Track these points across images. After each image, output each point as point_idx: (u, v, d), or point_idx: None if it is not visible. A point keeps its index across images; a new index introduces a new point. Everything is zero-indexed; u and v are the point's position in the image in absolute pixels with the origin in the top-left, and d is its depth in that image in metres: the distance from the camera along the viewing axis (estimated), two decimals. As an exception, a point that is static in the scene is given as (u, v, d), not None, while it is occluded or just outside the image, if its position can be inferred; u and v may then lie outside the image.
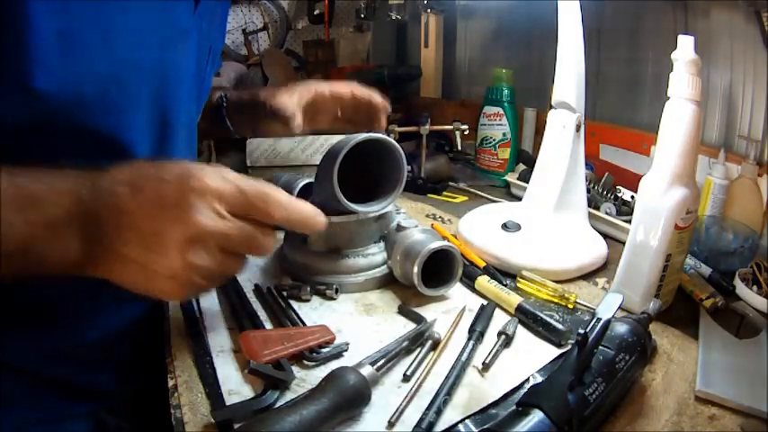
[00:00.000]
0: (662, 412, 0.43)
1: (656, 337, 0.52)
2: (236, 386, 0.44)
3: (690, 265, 0.67)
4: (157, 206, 0.35)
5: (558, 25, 0.71)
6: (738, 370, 0.48)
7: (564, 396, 0.37)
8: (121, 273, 0.37)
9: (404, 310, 0.57)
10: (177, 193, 0.36)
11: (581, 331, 0.40)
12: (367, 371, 0.42)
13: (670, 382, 0.47)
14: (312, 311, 0.56)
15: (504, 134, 1.05)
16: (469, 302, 0.58)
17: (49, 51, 0.38)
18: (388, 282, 0.62)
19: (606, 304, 0.43)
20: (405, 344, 0.49)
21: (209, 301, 0.57)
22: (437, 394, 0.42)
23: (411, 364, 0.47)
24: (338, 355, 0.49)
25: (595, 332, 0.41)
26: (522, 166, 1.04)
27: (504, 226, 0.72)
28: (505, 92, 1.04)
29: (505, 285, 0.61)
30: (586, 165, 0.77)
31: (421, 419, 0.40)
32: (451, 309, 0.57)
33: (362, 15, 1.30)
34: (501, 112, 1.04)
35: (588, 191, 0.81)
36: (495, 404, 0.43)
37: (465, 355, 0.48)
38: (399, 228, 0.63)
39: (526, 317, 0.54)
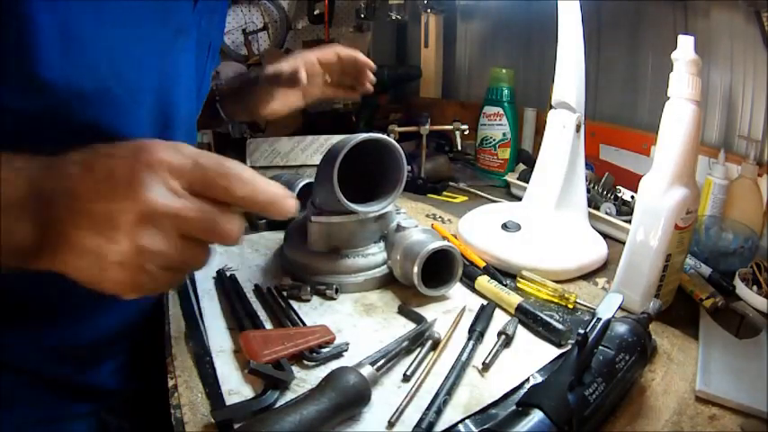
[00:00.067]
0: (662, 412, 0.43)
1: (656, 337, 0.52)
2: (236, 386, 0.44)
3: (690, 265, 0.67)
4: (108, 184, 0.32)
5: (558, 25, 0.71)
6: (738, 370, 0.48)
7: (564, 396, 0.37)
8: (75, 264, 0.33)
9: (404, 310, 0.57)
10: (127, 168, 0.32)
11: (581, 331, 0.40)
12: (367, 371, 0.42)
13: (670, 382, 0.47)
14: (312, 311, 0.56)
15: (504, 134, 1.05)
16: (469, 302, 0.58)
17: (50, 46, 0.38)
18: (388, 282, 0.62)
19: (606, 304, 0.43)
20: (405, 344, 0.49)
21: (210, 301, 0.57)
22: (437, 394, 0.42)
23: (411, 364, 0.47)
24: (338, 355, 0.49)
25: (595, 332, 0.41)
26: (522, 166, 1.04)
27: (504, 226, 0.72)
28: (505, 92, 1.04)
29: (505, 285, 0.61)
30: (586, 165, 0.77)
31: (421, 419, 0.40)
32: (451, 309, 0.57)
33: (362, 15, 1.30)
34: (501, 112, 1.04)
35: (588, 191, 0.81)
36: (495, 404, 0.43)
37: (465, 355, 0.48)
38: (399, 228, 0.63)
39: (526, 317, 0.54)
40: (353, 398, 0.40)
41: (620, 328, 0.45)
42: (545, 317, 0.53)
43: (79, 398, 0.56)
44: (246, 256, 0.69)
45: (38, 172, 0.33)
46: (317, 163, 0.62)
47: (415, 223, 0.64)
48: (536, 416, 0.36)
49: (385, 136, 0.60)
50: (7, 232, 0.32)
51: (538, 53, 1.17)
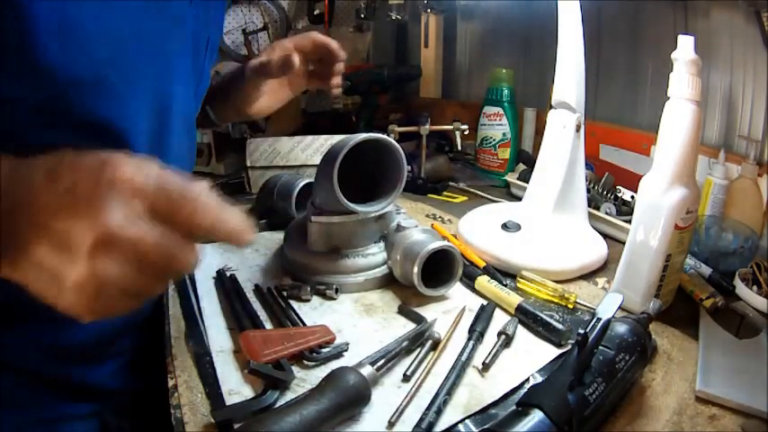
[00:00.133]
0: (662, 412, 0.43)
1: (656, 337, 0.52)
2: (236, 386, 0.44)
3: (690, 265, 0.67)
4: (69, 199, 0.30)
5: (558, 25, 0.71)
6: (738, 370, 0.48)
7: (564, 396, 0.37)
8: (35, 280, 0.31)
9: (404, 310, 0.57)
10: (91, 183, 0.30)
11: (581, 331, 0.40)
12: (367, 371, 0.42)
13: (670, 382, 0.47)
14: (312, 311, 0.56)
15: (504, 134, 1.05)
16: (469, 302, 0.58)
17: (48, 33, 0.38)
18: (388, 282, 0.62)
19: (606, 304, 0.43)
20: (405, 344, 0.49)
21: (210, 301, 0.57)
22: (437, 394, 0.42)
23: (411, 364, 0.47)
24: (338, 355, 0.49)
25: (595, 332, 0.41)
26: (522, 166, 1.04)
27: (504, 226, 0.72)
28: (505, 92, 1.04)
29: (505, 285, 0.61)
30: (586, 165, 0.77)
31: (421, 419, 0.40)
32: (451, 309, 0.57)
33: (362, 15, 1.30)
34: (501, 112, 1.04)
35: (588, 191, 0.81)
36: (495, 404, 0.43)
37: (465, 355, 0.48)
38: (399, 228, 0.63)
39: (526, 317, 0.54)
40: (353, 398, 0.40)
41: (620, 328, 0.45)
42: (545, 317, 0.53)
43: (79, 398, 0.56)
44: (246, 256, 0.69)
45: (2, 176, 0.32)
46: (317, 163, 0.62)
47: (415, 223, 0.64)
48: (536, 416, 0.36)
49: (385, 136, 0.60)
50: None
51: (538, 53, 1.17)
